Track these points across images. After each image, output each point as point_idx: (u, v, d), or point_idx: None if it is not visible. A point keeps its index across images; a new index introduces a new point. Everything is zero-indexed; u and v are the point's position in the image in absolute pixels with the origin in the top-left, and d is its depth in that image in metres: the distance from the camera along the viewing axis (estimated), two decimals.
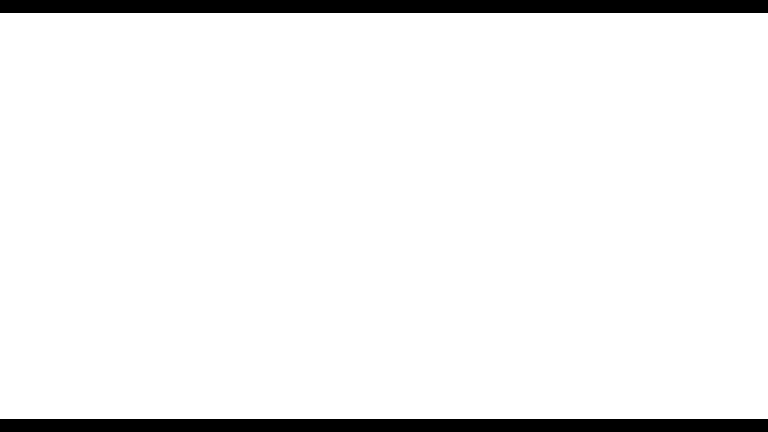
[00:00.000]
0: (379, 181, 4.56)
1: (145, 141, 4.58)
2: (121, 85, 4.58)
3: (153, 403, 4.52)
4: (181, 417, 4.51)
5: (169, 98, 4.58)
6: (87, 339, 4.54)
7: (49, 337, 4.54)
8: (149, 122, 4.58)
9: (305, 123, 4.58)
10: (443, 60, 4.56)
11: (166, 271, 4.55)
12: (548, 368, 4.51)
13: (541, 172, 4.54)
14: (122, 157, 4.58)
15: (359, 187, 4.56)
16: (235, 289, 4.56)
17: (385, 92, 4.57)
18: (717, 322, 4.47)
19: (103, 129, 4.58)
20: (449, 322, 4.54)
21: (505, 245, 4.54)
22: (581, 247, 4.52)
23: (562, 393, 4.49)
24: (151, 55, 4.58)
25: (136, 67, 4.58)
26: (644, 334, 4.49)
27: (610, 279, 4.51)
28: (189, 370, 4.54)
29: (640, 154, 4.53)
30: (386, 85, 4.57)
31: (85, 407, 4.52)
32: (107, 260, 4.56)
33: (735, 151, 4.50)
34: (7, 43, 4.57)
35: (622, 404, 4.48)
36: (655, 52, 4.53)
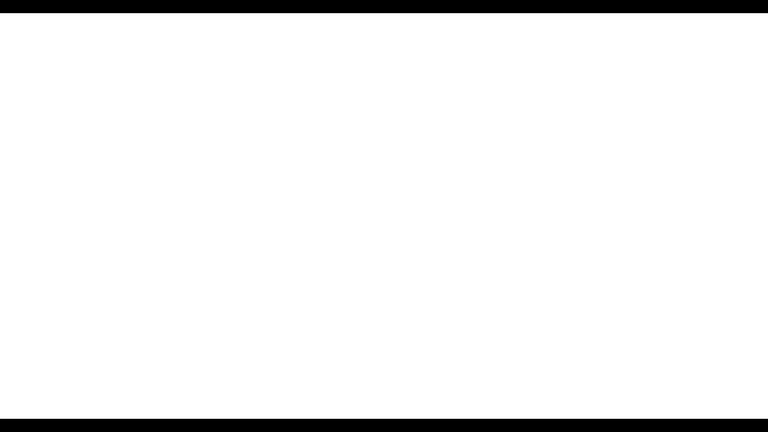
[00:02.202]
0: (379, 181, 4.56)
1: (145, 141, 4.58)
2: (121, 85, 4.58)
3: (153, 403, 4.52)
4: (181, 417, 4.51)
5: (169, 98, 4.58)
6: (87, 339, 4.54)
7: (49, 337, 4.54)
8: (149, 122, 4.58)
9: (305, 123, 4.59)
10: (443, 60, 4.56)
11: (166, 271, 4.55)
12: (548, 368, 4.51)
13: (541, 172, 4.54)
14: (122, 157, 4.58)
15: (359, 187, 4.56)
16: (235, 289, 4.56)
17: (385, 92, 4.57)
18: (717, 322, 4.48)
19: (103, 129, 4.58)
20: (449, 322, 4.54)
21: (505, 245, 4.54)
22: (581, 247, 4.52)
23: (562, 393, 4.50)
24: (151, 55, 4.58)
25: (136, 67, 4.58)
26: (644, 334, 4.49)
27: (610, 279, 4.51)
28: (189, 370, 4.54)
29: (640, 154, 4.53)
30: (386, 85, 4.57)
31: (85, 407, 4.52)
32: (107, 260, 4.56)
33: (735, 151, 4.51)
34: (7, 43, 4.57)
35: (622, 404, 4.48)
36: (655, 52, 4.53)
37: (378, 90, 4.58)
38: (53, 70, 4.57)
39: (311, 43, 4.58)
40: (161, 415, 4.52)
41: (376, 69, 4.57)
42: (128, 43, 4.58)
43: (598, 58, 4.54)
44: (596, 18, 4.53)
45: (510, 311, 4.53)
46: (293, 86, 4.58)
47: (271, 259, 4.56)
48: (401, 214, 4.56)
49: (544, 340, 4.51)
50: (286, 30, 4.58)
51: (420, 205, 4.56)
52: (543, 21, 4.54)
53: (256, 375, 4.53)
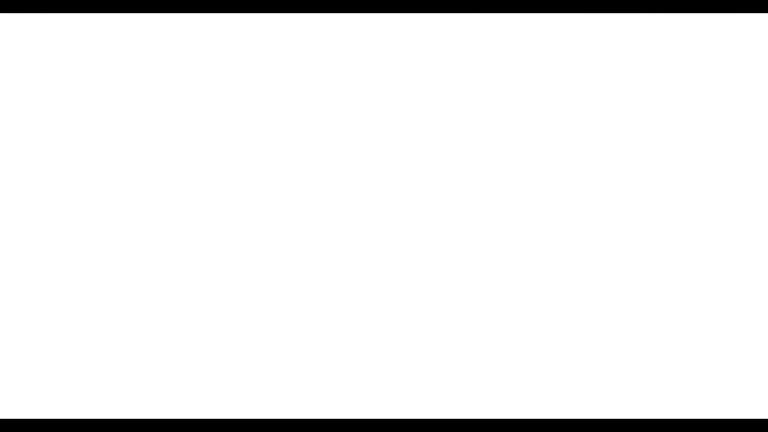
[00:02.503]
0: (379, 181, 4.56)
1: (145, 141, 4.58)
2: (121, 85, 4.58)
3: (153, 403, 4.52)
4: (181, 417, 4.51)
5: (169, 98, 4.58)
6: (87, 339, 4.54)
7: (49, 337, 4.54)
8: (149, 122, 4.58)
9: (305, 123, 4.59)
10: (443, 60, 4.57)
11: (166, 271, 4.56)
12: (548, 368, 4.51)
13: (541, 172, 4.55)
14: (122, 157, 4.58)
15: (359, 188, 4.57)
16: (235, 289, 4.56)
17: (385, 92, 4.58)
18: (717, 322, 4.48)
19: (103, 129, 4.59)
20: (449, 323, 4.54)
21: (505, 245, 4.54)
22: (581, 247, 4.52)
23: (562, 393, 4.50)
24: (151, 55, 4.58)
25: (136, 67, 4.58)
26: (644, 334, 4.49)
27: (610, 279, 4.51)
28: (189, 370, 4.54)
29: (640, 154, 4.53)
30: (386, 85, 4.57)
31: (86, 407, 4.52)
32: (107, 260, 4.56)
33: (735, 151, 4.51)
34: (7, 43, 4.57)
35: (622, 404, 4.48)
36: (655, 52, 4.53)
37: (378, 90, 4.58)
38: (53, 70, 4.58)
39: (311, 43, 4.58)
40: (161, 415, 4.52)
41: (376, 69, 4.58)
42: (128, 43, 4.58)
43: (598, 58, 4.54)
44: (596, 18, 4.53)
45: (510, 311, 4.53)
46: (293, 86, 4.59)
47: (270, 259, 4.56)
48: (401, 214, 4.56)
49: (544, 340, 4.52)
50: (286, 30, 4.58)
51: (420, 204, 4.56)
52: (543, 21, 4.55)
53: (256, 375, 4.53)
